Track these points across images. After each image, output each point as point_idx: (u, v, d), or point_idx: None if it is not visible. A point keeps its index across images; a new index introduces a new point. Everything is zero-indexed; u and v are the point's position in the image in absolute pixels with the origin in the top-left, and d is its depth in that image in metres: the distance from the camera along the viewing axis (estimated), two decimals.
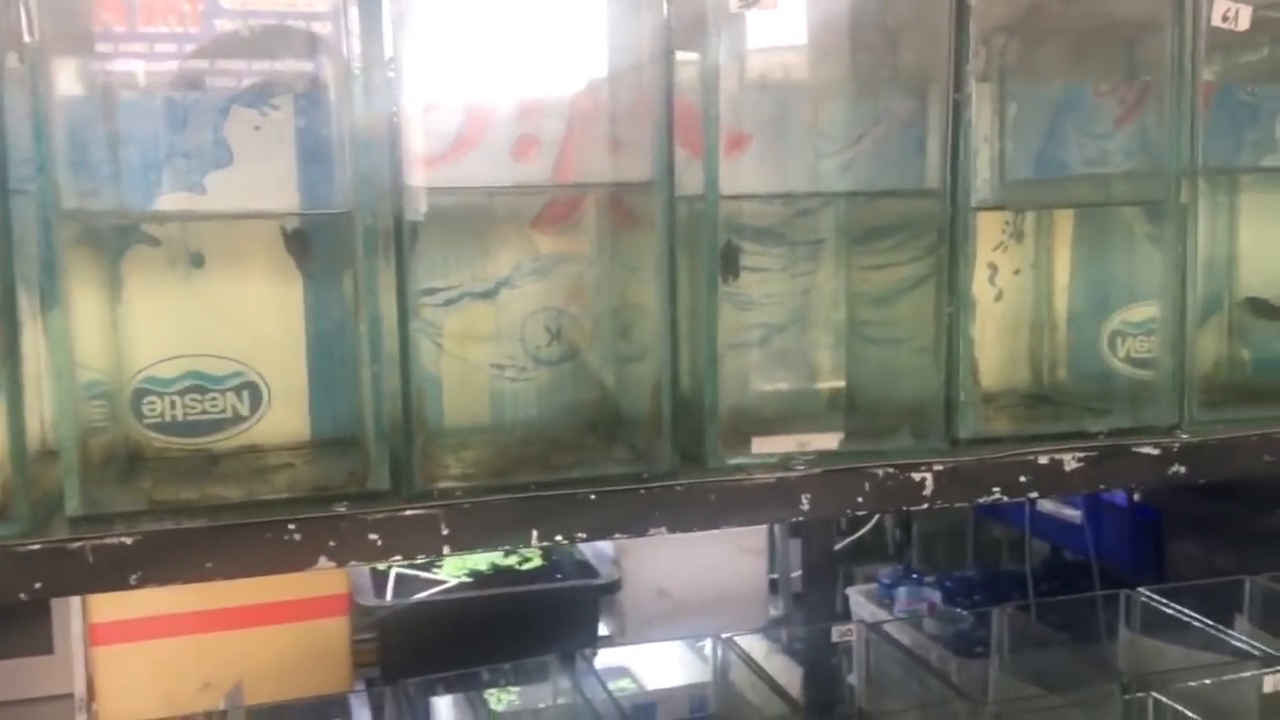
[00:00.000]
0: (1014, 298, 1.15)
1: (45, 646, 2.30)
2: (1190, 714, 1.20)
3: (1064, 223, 1.15)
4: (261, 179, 0.94)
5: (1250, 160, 1.18)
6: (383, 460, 0.84)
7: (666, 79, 0.89)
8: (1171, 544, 1.97)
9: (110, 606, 1.71)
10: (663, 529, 0.88)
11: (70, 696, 1.83)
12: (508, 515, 0.85)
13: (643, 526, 0.88)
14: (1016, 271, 1.15)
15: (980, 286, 1.11)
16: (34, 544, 0.75)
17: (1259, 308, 1.15)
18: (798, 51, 1.09)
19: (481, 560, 1.93)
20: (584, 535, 0.87)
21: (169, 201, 0.93)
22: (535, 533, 0.86)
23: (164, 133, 0.93)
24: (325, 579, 1.77)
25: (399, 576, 1.85)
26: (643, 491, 0.88)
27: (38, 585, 0.75)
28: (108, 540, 0.76)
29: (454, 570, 1.92)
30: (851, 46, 1.07)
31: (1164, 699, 1.21)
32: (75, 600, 1.77)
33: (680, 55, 0.93)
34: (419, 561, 1.80)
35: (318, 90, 0.96)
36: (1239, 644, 1.35)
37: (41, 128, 0.76)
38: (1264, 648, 1.32)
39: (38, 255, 0.77)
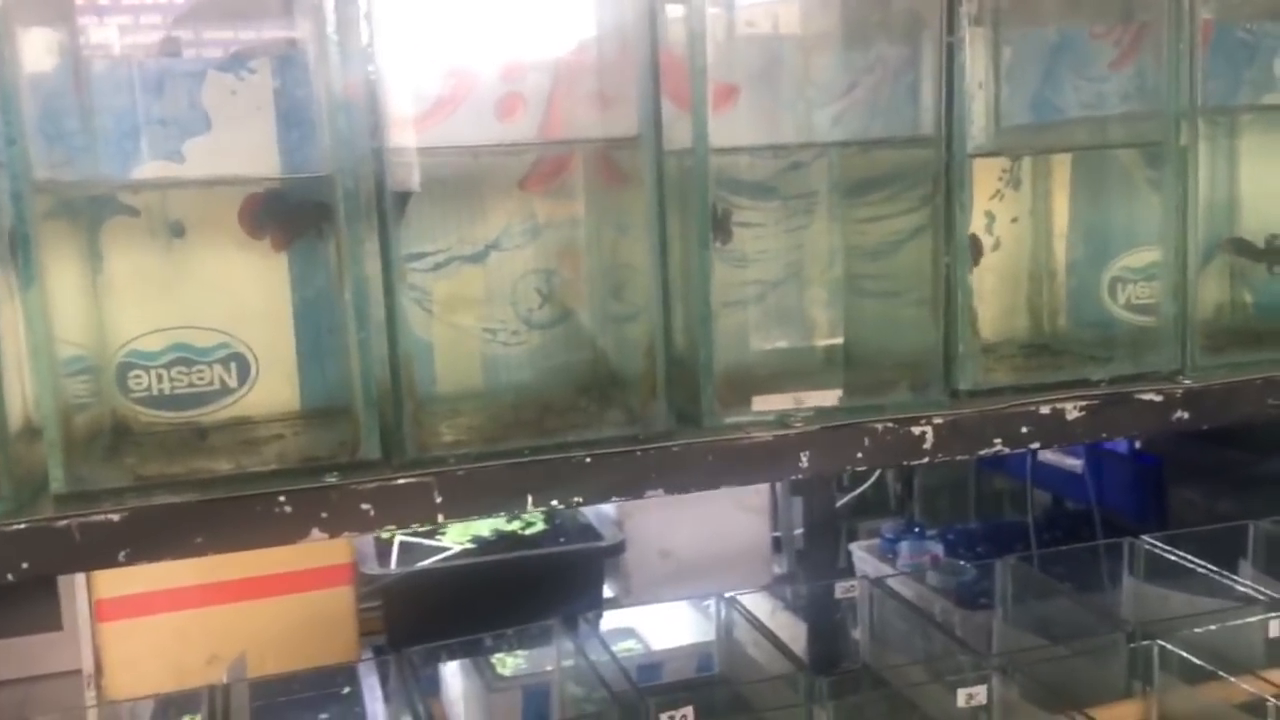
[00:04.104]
0: (1012, 246, 1.13)
1: (54, 623, 2.31)
2: (1196, 660, 1.20)
3: (1061, 169, 1.13)
4: (240, 145, 0.92)
5: (1249, 99, 1.16)
6: (373, 429, 0.83)
7: (651, 31, 0.86)
8: (1174, 491, 1.97)
9: (116, 582, 1.72)
10: (660, 491, 0.87)
11: (79, 672, 1.84)
12: (502, 481, 0.84)
13: (640, 489, 0.87)
14: (1014, 220, 1.13)
15: (978, 235, 1.09)
16: (19, 523, 0.74)
17: (1241, 248, 1.13)
18: (787, 0, 1.06)
19: (484, 526, 1.93)
20: (580, 500, 0.86)
21: (147, 171, 0.91)
22: (530, 498, 0.85)
23: (139, 100, 0.91)
24: (329, 549, 1.77)
25: (403, 544, 1.85)
26: (639, 453, 0.87)
27: (25, 565, 0.74)
28: (94, 518, 0.75)
29: (457, 537, 1.92)
30: None
31: (1169, 646, 1.21)
32: (80, 577, 1.78)
33: (668, 7, 0.90)
34: (420, 529, 1.79)
35: (295, 52, 0.93)
36: (1243, 589, 1.35)
37: (9, 98, 0.74)
38: (1268, 592, 1.32)
39: (12, 229, 0.76)
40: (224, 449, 0.87)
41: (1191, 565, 1.40)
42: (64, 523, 0.74)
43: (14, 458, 0.76)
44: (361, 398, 0.83)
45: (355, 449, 0.83)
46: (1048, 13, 1.13)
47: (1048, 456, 2.13)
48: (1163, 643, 1.21)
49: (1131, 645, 1.23)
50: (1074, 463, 2.10)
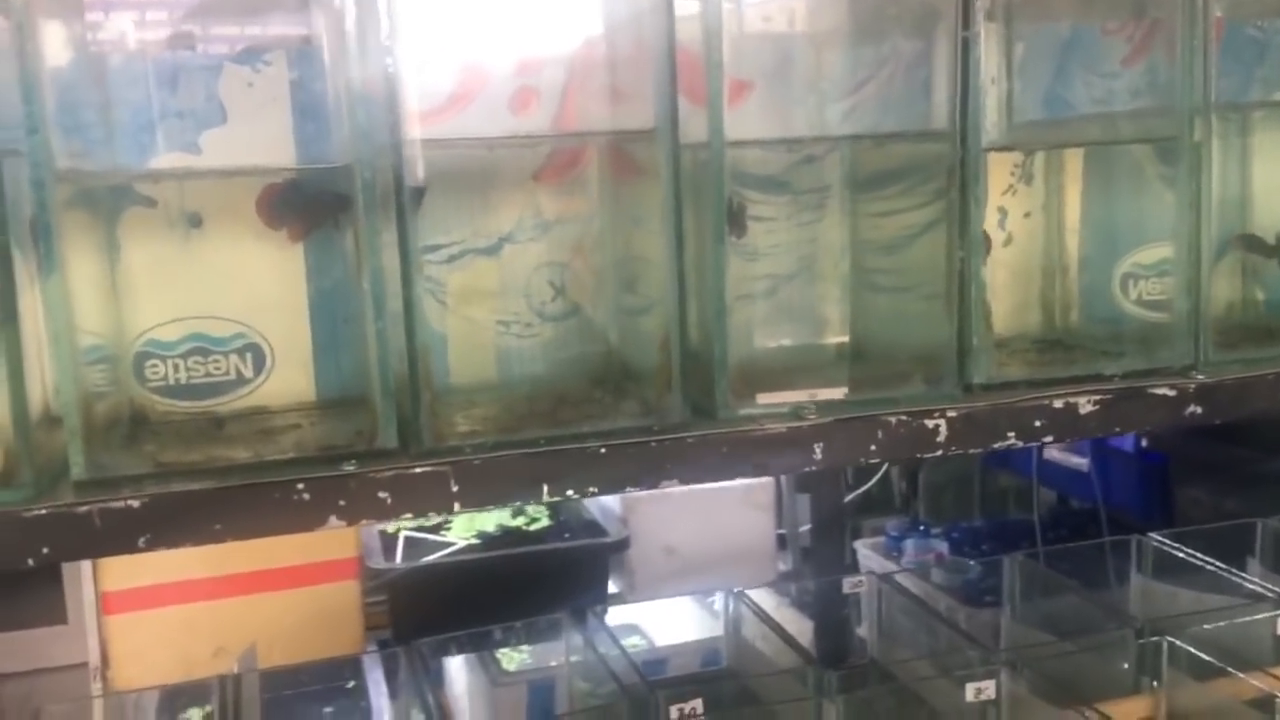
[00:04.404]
0: (1025, 241, 1.14)
1: (59, 616, 2.31)
2: (1205, 657, 1.20)
3: (1074, 164, 1.13)
4: (257, 136, 0.92)
5: (1261, 96, 1.16)
6: (390, 418, 0.83)
7: (668, 24, 0.87)
8: (1180, 489, 1.96)
9: (122, 574, 1.72)
10: (674, 481, 0.87)
11: (85, 665, 1.84)
12: (517, 471, 0.84)
13: (654, 479, 0.87)
14: (1027, 215, 1.14)
15: (990, 231, 1.10)
16: (40, 509, 0.75)
17: (1252, 244, 1.14)
18: None
19: (490, 521, 1.93)
20: (595, 490, 0.87)
21: (164, 162, 0.91)
22: (546, 488, 0.85)
23: (155, 92, 0.91)
24: (335, 543, 1.77)
25: (408, 539, 1.85)
26: (653, 444, 0.87)
27: (45, 550, 0.74)
28: (114, 504, 0.75)
29: (463, 532, 1.92)
30: None
31: (1178, 642, 1.21)
32: (86, 569, 1.78)
33: (681, 2, 0.91)
34: (428, 523, 1.80)
35: (311, 45, 0.94)
36: (1251, 586, 1.35)
37: (30, 88, 0.74)
38: (1276, 589, 1.32)
39: (33, 218, 0.76)
40: (241, 438, 0.88)
41: (1199, 563, 1.40)
42: (85, 508, 0.75)
43: (35, 445, 0.77)
44: (379, 388, 0.83)
45: (372, 438, 0.83)
46: (1060, 9, 1.14)
47: (1053, 455, 2.12)
48: (1171, 639, 1.21)
49: (1140, 641, 1.23)
50: (1080, 461, 2.10)
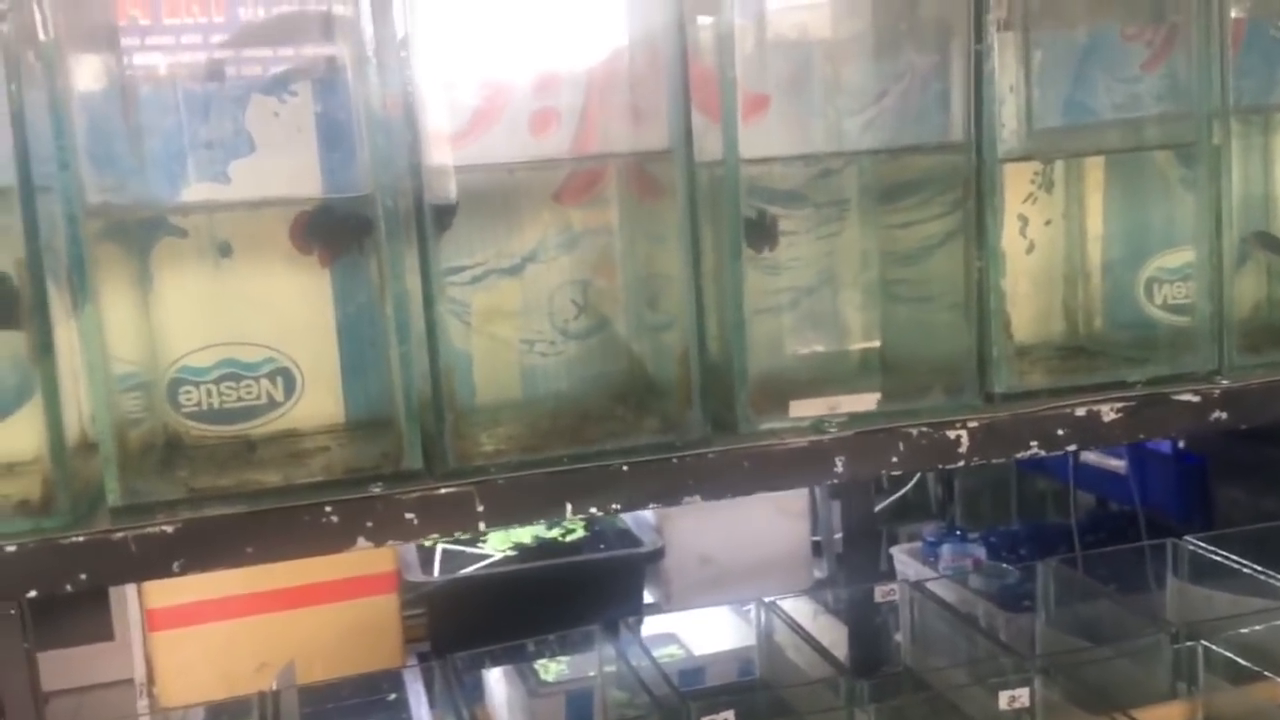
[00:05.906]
0: (1046, 249, 1.13)
1: (106, 634, 2.36)
2: (1242, 661, 1.18)
3: (1095, 171, 1.13)
4: (284, 166, 0.95)
5: None
6: (415, 440, 0.84)
7: (680, 44, 0.88)
8: (1219, 490, 1.94)
9: (166, 592, 1.75)
10: (697, 497, 0.88)
11: (131, 681, 1.87)
12: (542, 489, 0.86)
13: (677, 496, 0.88)
14: (1048, 222, 1.13)
15: (1011, 239, 1.10)
16: (78, 536, 0.77)
17: (1267, 241, 1.12)
18: (816, 10, 1.07)
19: (526, 533, 1.94)
20: (618, 507, 0.88)
21: (193, 193, 0.94)
22: (569, 506, 0.86)
23: (185, 125, 0.93)
24: (373, 557, 1.79)
25: (446, 552, 1.87)
26: (675, 461, 0.88)
27: (83, 576, 0.76)
28: (149, 529, 0.77)
29: (499, 544, 1.93)
30: (871, 2, 1.06)
31: (1214, 647, 1.20)
32: (131, 588, 1.81)
33: (698, 19, 0.92)
34: (463, 537, 1.81)
35: (335, 74, 0.96)
36: None
37: (60, 124, 0.76)
38: None
39: (65, 251, 0.78)
40: (272, 461, 0.90)
41: (1236, 565, 1.38)
42: (120, 535, 0.77)
43: (72, 472, 0.79)
44: (403, 409, 0.85)
45: (398, 460, 0.85)
46: (1077, 15, 1.13)
47: (1090, 458, 2.10)
48: (1207, 643, 1.20)
49: (1175, 646, 1.22)
50: (1117, 463, 2.08)
